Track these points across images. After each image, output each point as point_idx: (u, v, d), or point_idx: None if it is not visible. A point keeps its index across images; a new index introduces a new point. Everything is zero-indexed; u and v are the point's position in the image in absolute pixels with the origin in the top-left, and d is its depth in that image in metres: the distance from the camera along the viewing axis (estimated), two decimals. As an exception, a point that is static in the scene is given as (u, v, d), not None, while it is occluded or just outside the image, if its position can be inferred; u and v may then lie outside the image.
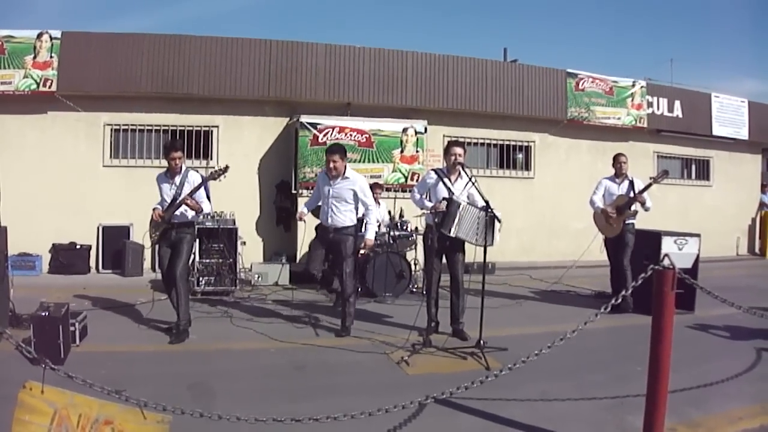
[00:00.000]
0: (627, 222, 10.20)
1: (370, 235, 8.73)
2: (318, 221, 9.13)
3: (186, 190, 8.08)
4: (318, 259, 8.83)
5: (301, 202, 13.89)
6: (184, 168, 8.34)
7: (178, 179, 8.20)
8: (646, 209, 10.13)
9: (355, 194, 8.60)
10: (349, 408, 4.51)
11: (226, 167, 8.43)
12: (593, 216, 10.64)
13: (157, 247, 8.44)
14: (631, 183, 10.36)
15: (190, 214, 8.24)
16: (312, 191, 14.11)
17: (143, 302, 9.87)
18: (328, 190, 8.58)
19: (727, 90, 22.31)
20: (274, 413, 4.36)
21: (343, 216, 8.59)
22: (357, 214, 8.78)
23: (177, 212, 8.11)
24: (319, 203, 8.85)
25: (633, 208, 10.08)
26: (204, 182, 8.19)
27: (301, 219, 9.06)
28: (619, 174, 10.48)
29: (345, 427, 4.56)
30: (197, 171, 8.56)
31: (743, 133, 20.39)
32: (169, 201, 8.15)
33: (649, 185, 10.17)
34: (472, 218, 7.60)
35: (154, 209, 8.19)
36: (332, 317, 9.52)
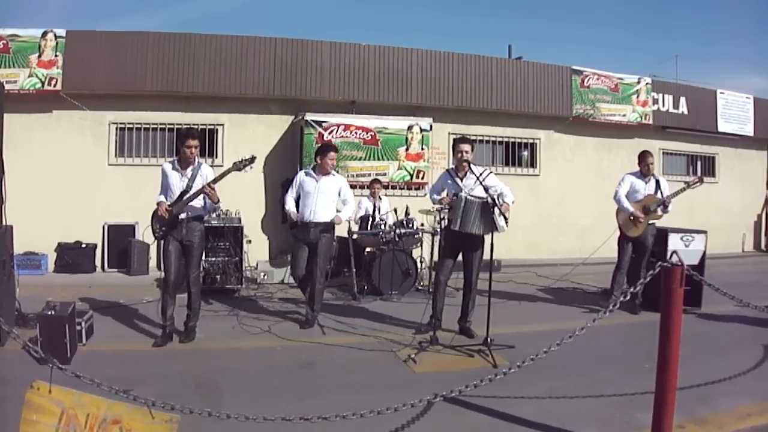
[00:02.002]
0: (649, 223, 10.10)
1: (344, 216, 9.26)
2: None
3: (198, 183, 7.73)
4: (303, 263, 9.04)
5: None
6: (197, 160, 7.97)
7: (190, 171, 7.82)
8: (667, 212, 10.04)
9: (340, 190, 9.16)
10: (357, 406, 4.50)
11: (253, 158, 8.03)
12: (616, 212, 10.47)
13: (163, 243, 7.98)
14: (657, 182, 10.24)
15: (199, 204, 7.86)
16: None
17: (149, 301, 9.88)
18: (315, 186, 8.95)
19: (732, 86, 22.27)
20: (282, 412, 4.36)
21: (327, 211, 9.02)
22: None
23: (194, 204, 7.78)
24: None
25: (659, 210, 9.98)
26: (229, 171, 7.84)
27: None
28: (646, 174, 10.33)
29: (354, 425, 4.54)
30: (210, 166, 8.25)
31: (749, 130, 20.35)
32: (177, 193, 7.76)
33: (683, 189, 9.99)
34: (476, 211, 7.60)
35: (159, 203, 7.79)
36: (339, 315, 9.52)
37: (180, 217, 7.76)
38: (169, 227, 7.80)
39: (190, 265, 7.90)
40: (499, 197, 7.84)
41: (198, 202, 7.82)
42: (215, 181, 7.74)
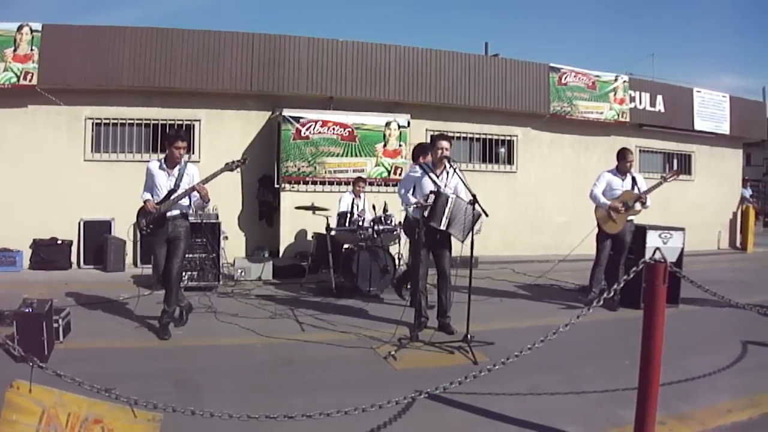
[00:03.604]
0: (628, 219, 10.12)
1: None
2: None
3: (185, 181, 7.97)
4: None
5: (285, 197, 13.98)
6: (183, 160, 8.18)
7: (176, 170, 8.03)
8: (646, 207, 10.06)
9: None
10: (338, 403, 4.52)
11: (245, 159, 8.37)
12: (595, 209, 10.48)
13: (152, 242, 8.25)
14: (634, 179, 10.27)
15: (185, 202, 8.09)
16: (300, 185, 14.18)
17: (126, 298, 9.80)
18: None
19: (707, 85, 22.54)
20: (264, 409, 4.33)
21: None
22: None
23: (180, 202, 8.01)
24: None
25: (637, 206, 9.99)
26: (221, 171, 8.04)
27: None
28: (624, 171, 10.33)
29: (337, 422, 4.53)
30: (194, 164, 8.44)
31: (724, 128, 20.52)
32: (164, 192, 7.95)
33: (659, 184, 10.05)
34: (461, 212, 7.59)
35: (146, 201, 7.92)
36: (316, 311, 9.52)
37: (167, 215, 7.93)
38: (157, 225, 7.95)
39: (173, 257, 8.00)
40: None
41: (184, 201, 8.01)
42: (206, 180, 7.92)
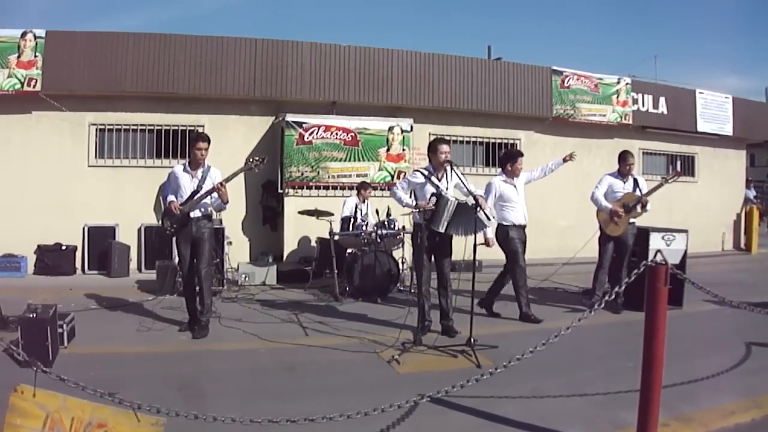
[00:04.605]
0: (630, 222, 10.09)
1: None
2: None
3: (208, 183, 8.20)
4: None
5: (288, 202, 13.99)
6: (206, 163, 8.42)
7: (200, 173, 8.30)
8: (646, 210, 10.04)
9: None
10: (341, 407, 4.51)
11: (263, 159, 8.51)
12: (597, 212, 10.48)
13: (176, 243, 8.54)
14: (635, 181, 10.26)
15: (208, 203, 8.33)
16: (303, 190, 14.20)
17: (131, 303, 9.83)
18: (515, 191, 9.76)
19: (709, 87, 22.41)
20: (267, 414, 4.34)
21: None
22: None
23: (205, 201, 8.25)
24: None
25: (638, 208, 9.97)
26: (241, 170, 8.36)
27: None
28: (625, 174, 10.31)
29: (340, 426, 4.54)
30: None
31: (727, 129, 20.45)
32: (188, 194, 8.22)
33: (660, 185, 10.03)
34: (461, 213, 7.58)
35: (170, 202, 8.19)
36: (320, 316, 9.53)
37: (191, 215, 8.20)
38: (181, 225, 8.23)
39: (199, 259, 8.27)
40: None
41: (207, 202, 8.29)
42: (227, 180, 8.15)
